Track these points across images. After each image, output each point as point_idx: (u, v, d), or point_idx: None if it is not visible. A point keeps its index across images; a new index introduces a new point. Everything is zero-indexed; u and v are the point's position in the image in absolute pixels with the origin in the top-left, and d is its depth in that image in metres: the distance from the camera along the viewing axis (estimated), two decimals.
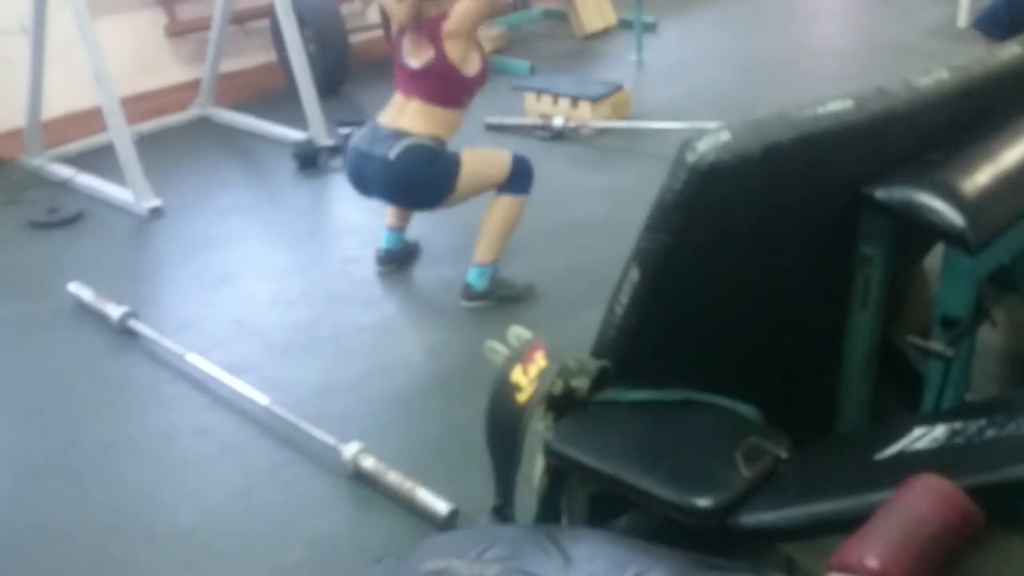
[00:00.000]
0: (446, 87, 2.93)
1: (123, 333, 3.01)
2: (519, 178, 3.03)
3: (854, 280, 1.91)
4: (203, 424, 2.60)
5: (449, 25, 2.86)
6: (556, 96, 4.59)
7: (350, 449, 2.33)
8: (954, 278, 1.75)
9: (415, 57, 2.94)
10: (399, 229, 3.36)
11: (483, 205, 3.09)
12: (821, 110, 1.70)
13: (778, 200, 1.78)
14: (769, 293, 1.95)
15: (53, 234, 3.78)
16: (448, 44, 2.87)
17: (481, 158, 3.02)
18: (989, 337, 2.33)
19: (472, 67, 2.95)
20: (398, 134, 2.90)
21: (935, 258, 1.95)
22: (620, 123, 4.53)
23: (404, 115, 2.95)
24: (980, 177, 1.72)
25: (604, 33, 6.14)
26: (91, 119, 4.42)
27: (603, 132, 4.46)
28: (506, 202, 3.03)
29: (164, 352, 2.88)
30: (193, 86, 5.01)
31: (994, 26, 4.02)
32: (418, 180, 2.92)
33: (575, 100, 4.53)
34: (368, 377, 2.77)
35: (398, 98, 3.01)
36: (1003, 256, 1.86)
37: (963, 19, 5.68)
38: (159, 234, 3.76)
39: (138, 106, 4.71)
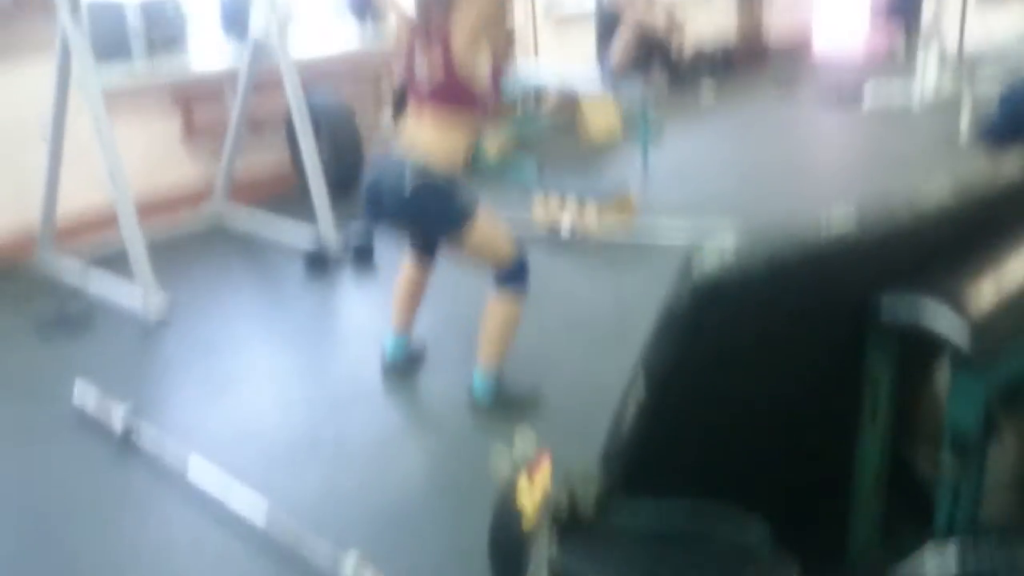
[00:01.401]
0: (457, 83, 2.90)
1: (126, 439, 2.98)
2: (518, 271, 3.01)
3: (863, 396, 1.89)
4: (201, 535, 2.55)
5: (456, 27, 2.84)
6: (564, 198, 4.65)
7: (349, 561, 2.28)
8: (962, 396, 1.72)
9: (426, 67, 2.93)
10: (404, 335, 3.35)
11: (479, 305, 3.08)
12: (825, 224, 1.70)
13: (784, 314, 1.78)
14: (777, 408, 1.93)
15: (61, 336, 3.79)
16: (456, 45, 2.84)
17: (496, 225, 3.02)
18: (1002, 457, 2.29)
19: (482, 68, 2.91)
20: (414, 165, 2.87)
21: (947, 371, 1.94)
22: (626, 226, 4.57)
23: (421, 130, 2.93)
24: (987, 293, 1.71)
25: (610, 140, 6.25)
26: (105, 221, 4.49)
27: (609, 235, 4.49)
28: (505, 302, 3.01)
29: (166, 459, 2.85)
30: (207, 187, 5.09)
31: (995, 140, 4.09)
32: (434, 210, 2.92)
33: (582, 202, 4.59)
34: (370, 486, 2.73)
35: (412, 109, 2.99)
36: (1012, 373, 1.84)
37: (966, 133, 5.78)
38: (166, 337, 3.77)
39: (151, 207, 4.79)
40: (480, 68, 2.90)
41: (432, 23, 2.90)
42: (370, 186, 2.99)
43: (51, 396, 3.30)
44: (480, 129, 3.05)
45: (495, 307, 3.02)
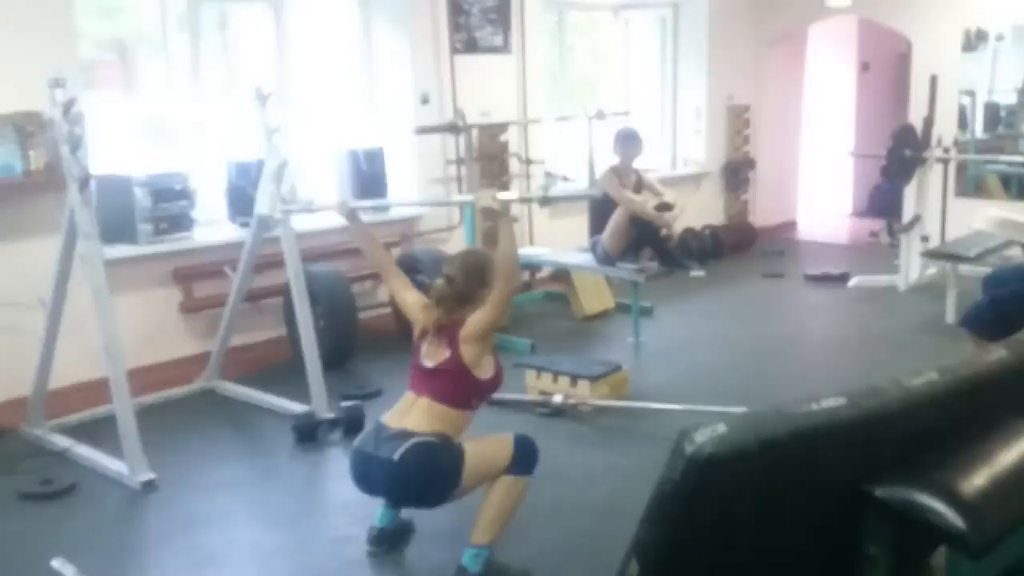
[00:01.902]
0: (457, 387, 3.02)
1: None
2: (523, 459, 3.04)
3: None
4: None
5: (466, 330, 3.01)
6: (556, 374, 4.68)
7: None
8: None
9: (431, 358, 3.06)
10: (395, 507, 3.30)
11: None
12: (815, 406, 1.73)
13: (777, 494, 1.77)
14: None
15: (44, 506, 3.72)
16: (464, 347, 3.01)
17: (484, 448, 3.05)
18: None
19: (486, 371, 3.07)
20: (403, 435, 2.94)
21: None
22: (619, 403, 4.58)
23: (411, 414, 3.01)
24: (980, 480, 1.72)
25: (603, 315, 6.35)
26: (96, 390, 4.48)
27: (602, 411, 4.50)
28: (508, 483, 3.00)
29: None
30: (201, 359, 5.11)
31: (980, 324, 4.18)
32: (422, 480, 2.94)
33: (575, 379, 4.61)
34: None
35: (408, 396, 3.08)
36: (1009, 559, 1.82)
37: (950, 316, 5.89)
38: (150, 509, 3.70)
39: (145, 378, 4.80)
40: (484, 370, 3.06)
41: (448, 315, 3.06)
42: (357, 455, 3.05)
43: (29, 566, 3.23)
44: (468, 425, 3.12)
45: (499, 486, 3.01)
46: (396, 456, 2.88)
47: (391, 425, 3.00)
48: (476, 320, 3.02)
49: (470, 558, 2.98)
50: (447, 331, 3.05)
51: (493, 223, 6.32)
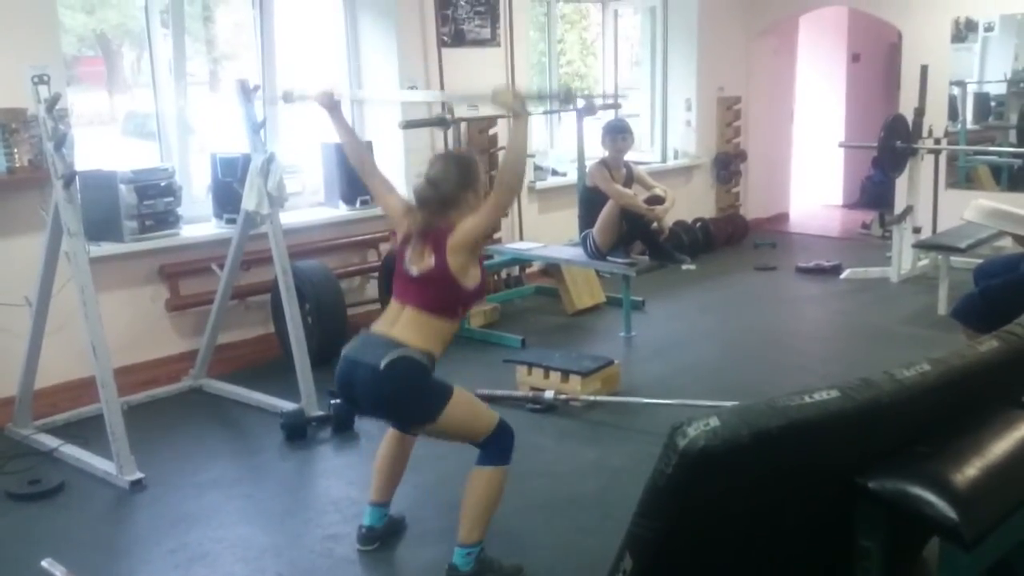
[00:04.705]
0: (442, 295, 2.93)
1: None
2: (500, 442, 2.95)
3: (854, 571, 1.84)
4: None
5: (455, 238, 2.90)
6: (547, 370, 4.65)
7: None
8: (951, 573, 1.69)
9: (416, 265, 2.95)
10: (383, 505, 3.27)
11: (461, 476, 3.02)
12: (808, 399, 1.71)
13: (770, 486, 1.76)
14: None
15: (32, 506, 3.68)
16: (451, 255, 2.90)
17: (472, 402, 2.99)
18: None
19: (471, 280, 2.96)
20: (391, 343, 2.87)
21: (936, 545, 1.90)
22: (610, 398, 4.56)
23: (398, 324, 2.93)
24: (972, 471, 1.71)
25: (594, 310, 6.33)
26: (83, 389, 4.45)
27: (593, 406, 4.48)
28: (486, 475, 2.94)
29: None
30: (188, 358, 5.08)
31: (971, 315, 4.17)
32: (405, 393, 2.87)
33: (566, 374, 4.58)
34: None
35: (393, 306, 3.00)
36: (1001, 549, 1.81)
37: (942, 307, 5.89)
38: (139, 508, 3.67)
39: (132, 377, 4.77)
40: (470, 279, 2.96)
41: (432, 220, 2.96)
42: (343, 361, 2.96)
43: (18, 567, 3.20)
44: (455, 334, 3.06)
45: (477, 480, 2.95)
46: (382, 364, 2.80)
47: (380, 332, 2.94)
48: (467, 228, 2.90)
49: (461, 557, 2.95)
50: (432, 236, 2.93)
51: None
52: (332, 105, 3.41)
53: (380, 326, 2.99)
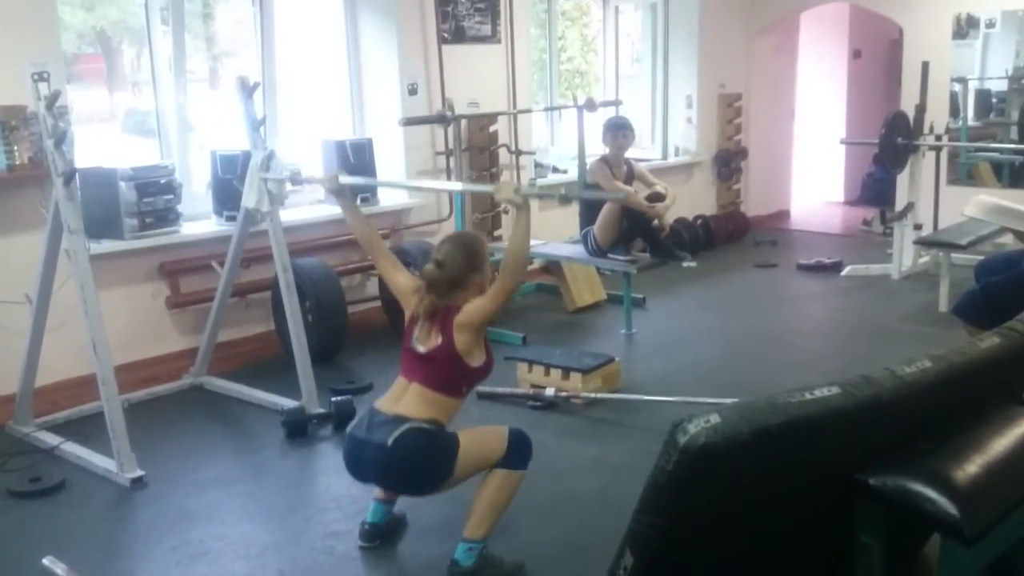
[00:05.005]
0: (448, 374, 2.99)
1: None
2: (517, 453, 3.00)
3: (855, 568, 1.84)
4: None
5: (461, 317, 2.96)
6: (548, 367, 4.65)
7: None
8: (952, 570, 1.69)
9: (423, 344, 3.02)
10: (387, 501, 3.28)
11: (475, 478, 3.03)
12: (808, 396, 1.71)
13: (770, 483, 1.75)
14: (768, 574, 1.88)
15: (33, 504, 3.68)
16: (457, 334, 2.96)
17: (478, 438, 3.02)
18: None
19: (477, 359, 3.02)
20: (396, 420, 2.91)
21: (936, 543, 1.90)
22: (611, 395, 4.55)
23: (403, 400, 2.98)
24: (972, 467, 1.71)
25: (594, 307, 6.32)
26: (83, 386, 4.45)
27: (594, 403, 4.47)
28: (502, 477, 2.97)
29: None
30: (189, 355, 5.07)
31: (972, 312, 4.16)
32: (415, 465, 2.91)
33: (567, 371, 4.58)
34: None
35: (399, 383, 3.05)
36: (1001, 546, 1.81)
37: (943, 304, 5.88)
38: (140, 506, 3.67)
39: (133, 374, 4.77)
40: (476, 359, 3.02)
41: (439, 301, 3.01)
42: (350, 441, 3.02)
43: (19, 564, 3.20)
44: (459, 410, 3.09)
45: (493, 479, 2.98)
46: (390, 441, 2.85)
47: (384, 410, 2.97)
48: (473, 309, 2.97)
49: (463, 552, 2.96)
50: (440, 316, 3.00)
51: (484, 216, 6.35)
52: (340, 190, 3.52)
53: (385, 403, 3.02)
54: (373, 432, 2.92)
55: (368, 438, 2.92)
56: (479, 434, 3.05)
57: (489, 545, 3.00)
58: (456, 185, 5.74)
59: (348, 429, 3.07)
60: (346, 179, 3.71)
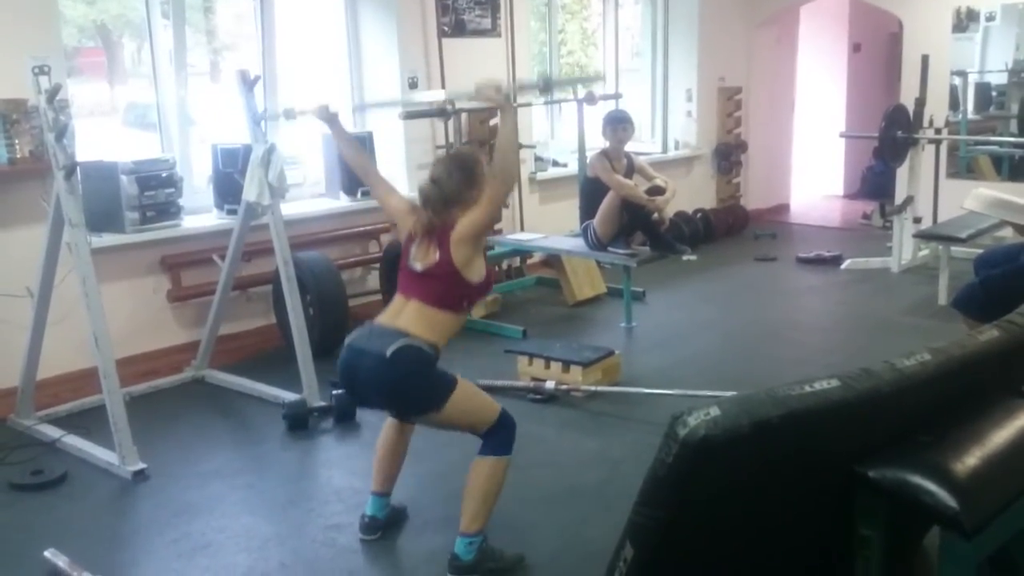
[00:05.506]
0: (447, 290, 2.95)
1: None
2: (502, 433, 2.96)
3: (854, 561, 1.85)
4: None
5: (457, 232, 2.92)
6: (548, 360, 4.66)
7: None
8: (952, 562, 1.70)
9: (421, 261, 2.98)
10: (384, 495, 3.28)
11: (456, 465, 3.03)
12: (808, 388, 1.72)
13: (770, 476, 1.76)
14: (768, 572, 1.89)
15: (35, 497, 3.69)
16: (455, 249, 2.92)
17: (476, 393, 3.00)
18: None
19: (476, 274, 2.97)
20: (397, 333, 2.88)
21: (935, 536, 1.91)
22: (611, 388, 4.56)
23: (403, 315, 2.95)
24: (972, 460, 1.71)
25: (594, 301, 6.33)
26: (85, 380, 4.46)
27: (594, 396, 4.49)
28: (488, 465, 2.95)
29: None
30: (190, 348, 5.08)
31: (972, 305, 4.16)
32: (410, 381, 2.87)
33: (567, 364, 4.59)
34: None
35: (397, 300, 3.02)
36: (1001, 538, 1.82)
37: (943, 297, 5.89)
38: (142, 498, 3.68)
39: (134, 367, 4.78)
40: (475, 273, 2.98)
41: (435, 218, 2.98)
42: (347, 350, 2.98)
43: (21, 557, 3.21)
44: (461, 326, 3.07)
45: (479, 470, 2.96)
46: (388, 352, 2.82)
47: (385, 323, 2.95)
48: (468, 222, 2.93)
49: (463, 546, 2.96)
50: (436, 234, 2.96)
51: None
52: (330, 118, 3.49)
53: (384, 318, 3.00)
54: (372, 341, 2.89)
55: (367, 347, 2.89)
56: (478, 393, 3.01)
57: (489, 538, 3.01)
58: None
59: (347, 340, 3.01)
60: (336, 107, 3.57)
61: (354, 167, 3.50)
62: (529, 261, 6.91)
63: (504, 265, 6.66)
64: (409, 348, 2.86)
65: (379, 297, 5.86)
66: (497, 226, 6.53)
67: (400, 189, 6.01)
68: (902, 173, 7.30)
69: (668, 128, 8.48)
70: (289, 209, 4.99)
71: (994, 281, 4.18)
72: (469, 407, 2.95)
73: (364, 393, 3.03)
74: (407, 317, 2.95)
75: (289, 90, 5.89)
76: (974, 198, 4.15)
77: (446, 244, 2.94)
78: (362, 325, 3.07)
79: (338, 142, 3.50)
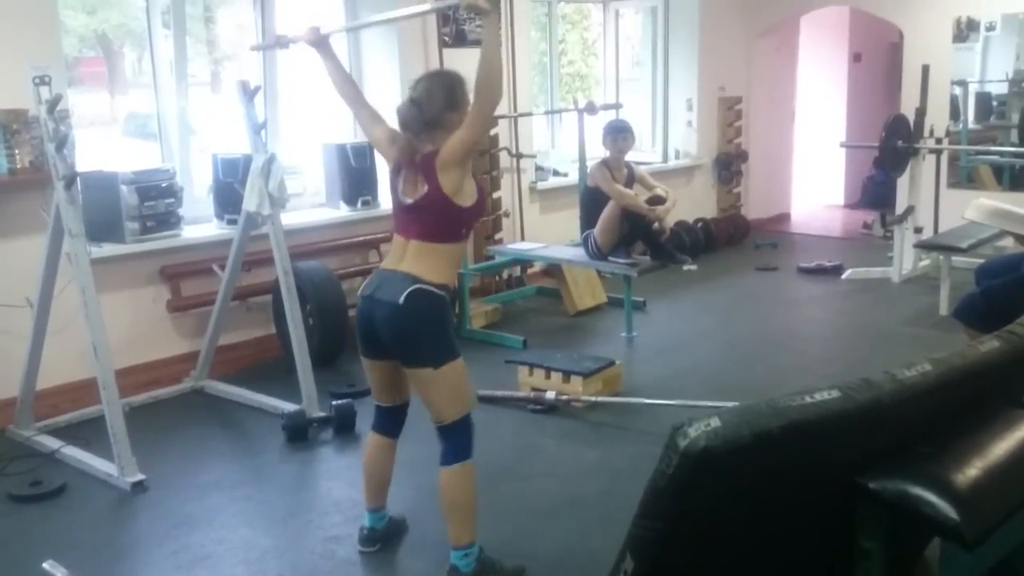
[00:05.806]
0: (442, 220, 2.89)
1: None
2: (463, 433, 2.92)
3: (855, 573, 1.84)
4: None
5: (442, 156, 2.84)
6: (549, 370, 4.65)
7: None
8: (953, 574, 1.69)
9: (410, 195, 2.91)
10: (379, 509, 3.26)
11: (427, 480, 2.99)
12: (809, 399, 1.71)
13: (771, 487, 1.75)
14: None
15: (34, 508, 3.68)
16: (442, 176, 2.84)
17: (467, 379, 2.95)
18: None
19: (468, 198, 2.90)
20: (407, 277, 2.85)
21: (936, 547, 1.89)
22: (612, 398, 4.55)
23: (406, 258, 2.91)
24: (973, 471, 1.70)
25: (595, 310, 6.32)
26: (84, 390, 4.45)
27: (595, 407, 4.47)
28: (455, 473, 2.92)
29: None
30: (190, 358, 5.07)
31: (973, 316, 4.16)
32: (424, 325, 2.85)
33: (567, 375, 4.58)
34: None
35: (397, 241, 2.97)
36: (1003, 550, 1.81)
37: (943, 308, 5.88)
38: (141, 510, 3.66)
39: (133, 378, 4.77)
40: (466, 197, 2.91)
41: (415, 142, 2.91)
42: (362, 300, 2.96)
43: (19, 569, 3.20)
44: (463, 253, 3.02)
45: (448, 481, 2.93)
46: (401, 298, 2.81)
47: (392, 268, 2.92)
48: (452, 144, 2.83)
49: (459, 559, 2.95)
50: (422, 163, 2.88)
51: (483, 219, 6.33)
52: (319, 41, 3.33)
53: (389, 263, 2.96)
54: (384, 290, 2.87)
55: (380, 296, 2.87)
56: (469, 381, 2.97)
57: (487, 548, 2.99)
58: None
59: (360, 291, 2.99)
60: (327, 29, 3.44)
61: (341, 93, 3.33)
62: (530, 271, 6.91)
63: (505, 275, 6.65)
64: (421, 292, 2.83)
65: None
66: (498, 235, 6.54)
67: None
68: (903, 183, 7.29)
69: (668, 138, 8.49)
70: (289, 219, 4.99)
71: (995, 291, 4.17)
72: (457, 383, 2.91)
73: (381, 340, 2.95)
74: (411, 259, 2.90)
75: (290, 100, 5.90)
76: (975, 208, 4.14)
77: (433, 173, 2.85)
78: (372, 273, 3.02)
79: (326, 66, 3.34)
